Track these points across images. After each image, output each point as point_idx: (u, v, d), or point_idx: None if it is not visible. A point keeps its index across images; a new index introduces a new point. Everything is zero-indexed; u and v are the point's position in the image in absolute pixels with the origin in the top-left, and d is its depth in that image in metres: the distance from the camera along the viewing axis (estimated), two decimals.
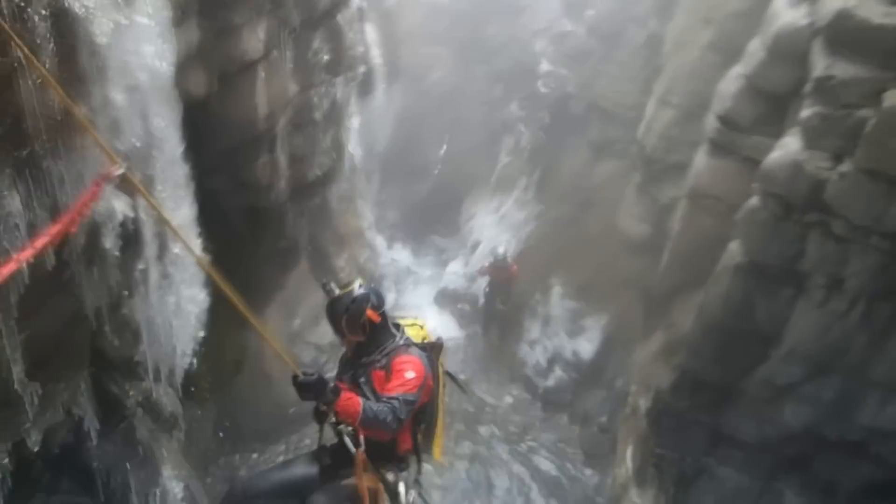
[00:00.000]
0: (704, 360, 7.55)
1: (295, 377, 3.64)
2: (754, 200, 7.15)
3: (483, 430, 13.30)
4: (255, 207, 6.74)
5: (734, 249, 7.33)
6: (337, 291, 3.90)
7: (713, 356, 7.46)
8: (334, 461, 4.12)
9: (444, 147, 19.90)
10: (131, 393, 5.47)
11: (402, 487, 4.17)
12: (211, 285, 5.26)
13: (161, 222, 4.44)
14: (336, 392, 3.61)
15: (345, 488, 4.06)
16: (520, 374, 14.44)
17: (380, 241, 15.83)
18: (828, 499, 7.37)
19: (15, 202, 3.55)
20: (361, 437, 3.81)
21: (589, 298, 14.04)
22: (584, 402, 13.23)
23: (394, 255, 17.60)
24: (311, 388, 3.61)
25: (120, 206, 4.24)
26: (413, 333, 4.12)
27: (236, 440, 10.27)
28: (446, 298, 17.39)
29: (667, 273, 9.00)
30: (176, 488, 6.18)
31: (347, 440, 3.93)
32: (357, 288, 3.93)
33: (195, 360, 5.47)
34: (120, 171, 3.10)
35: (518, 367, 14.54)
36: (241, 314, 3.54)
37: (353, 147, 11.51)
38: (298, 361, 3.77)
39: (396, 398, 3.62)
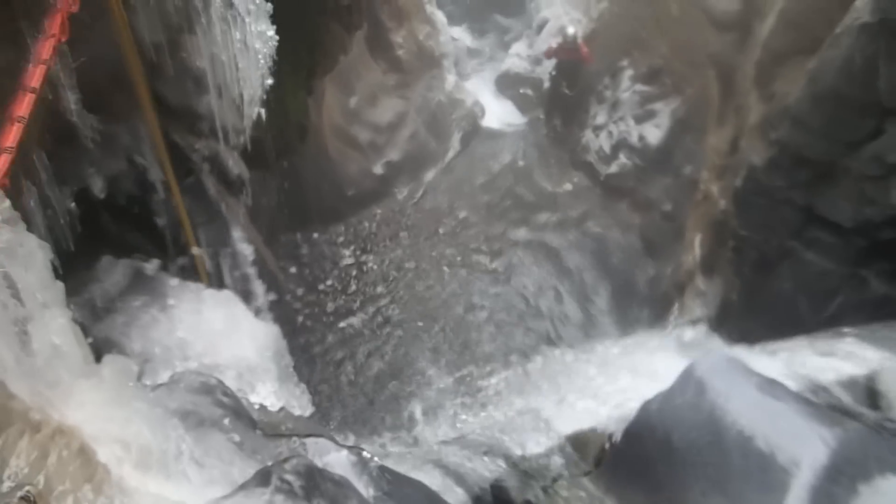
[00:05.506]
0: (809, 134, 6.86)
1: None
2: None
3: (540, 216, 13.10)
4: None
5: (861, 7, 6.37)
6: None
7: (820, 129, 6.75)
8: None
9: None
10: (197, 146, 5.14)
11: None
12: (278, 22, 4.68)
13: None
14: None
15: None
16: (581, 160, 13.92)
17: (440, 18, 14.78)
18: None
19: None
20: None
21: (662, 82, 13.09)
22: (648, 189, 12.73)
23: (454, 34, 16.54)
24: None
25: None
26: None
27: (298, 217, 10.21)
28: (508, 82, 16.59)
29: (771, 39, 8.05)
30: (246, 251, 6.05)
31: None
32: None
33: (262, 111, 5.04)
34: None
35: (580, 153, 14.00)
36: None
37: None
38: None
39: None
